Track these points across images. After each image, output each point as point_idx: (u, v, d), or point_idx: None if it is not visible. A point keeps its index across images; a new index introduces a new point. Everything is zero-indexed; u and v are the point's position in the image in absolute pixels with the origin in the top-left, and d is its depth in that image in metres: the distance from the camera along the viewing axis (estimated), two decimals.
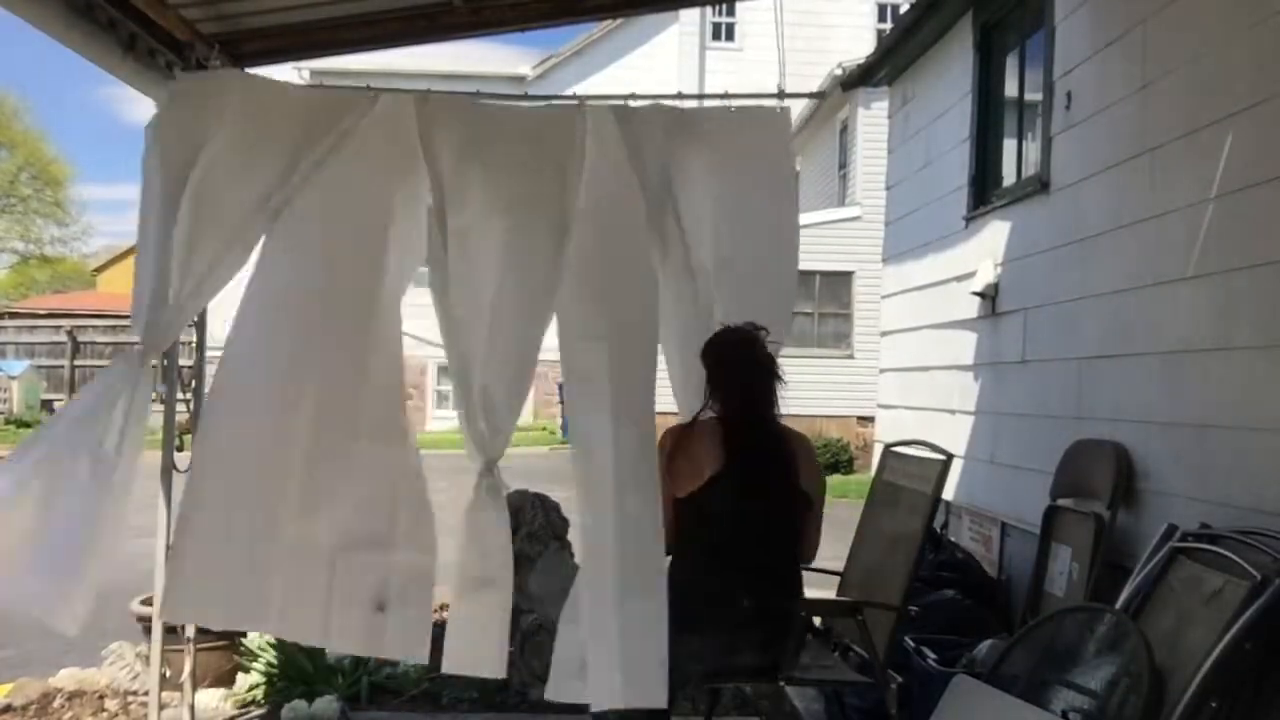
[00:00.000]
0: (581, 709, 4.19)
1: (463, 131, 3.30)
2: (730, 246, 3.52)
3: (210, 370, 3.49)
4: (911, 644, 4.07)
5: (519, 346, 3.19)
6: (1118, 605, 3.25)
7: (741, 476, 3.08)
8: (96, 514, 2.80)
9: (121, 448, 2.83)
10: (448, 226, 3.19)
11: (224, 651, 4.45)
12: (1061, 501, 4.33)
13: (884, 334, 7.71)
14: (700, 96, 3.68)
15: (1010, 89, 5.81)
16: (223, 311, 3.34)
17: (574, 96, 3.75)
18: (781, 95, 3.75)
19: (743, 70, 20.32)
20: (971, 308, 5.74)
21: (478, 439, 3.12)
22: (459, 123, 3.33)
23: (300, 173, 3.22)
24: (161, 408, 3.76)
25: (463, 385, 3.18)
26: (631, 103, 3.53)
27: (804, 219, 17.43)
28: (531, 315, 3.19)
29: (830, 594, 3.94)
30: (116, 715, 4.27)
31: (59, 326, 24.42)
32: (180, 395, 3.77)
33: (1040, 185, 5.01)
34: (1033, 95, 5.37)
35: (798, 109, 17.80)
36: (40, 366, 23.17)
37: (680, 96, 3.71)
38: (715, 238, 3.53)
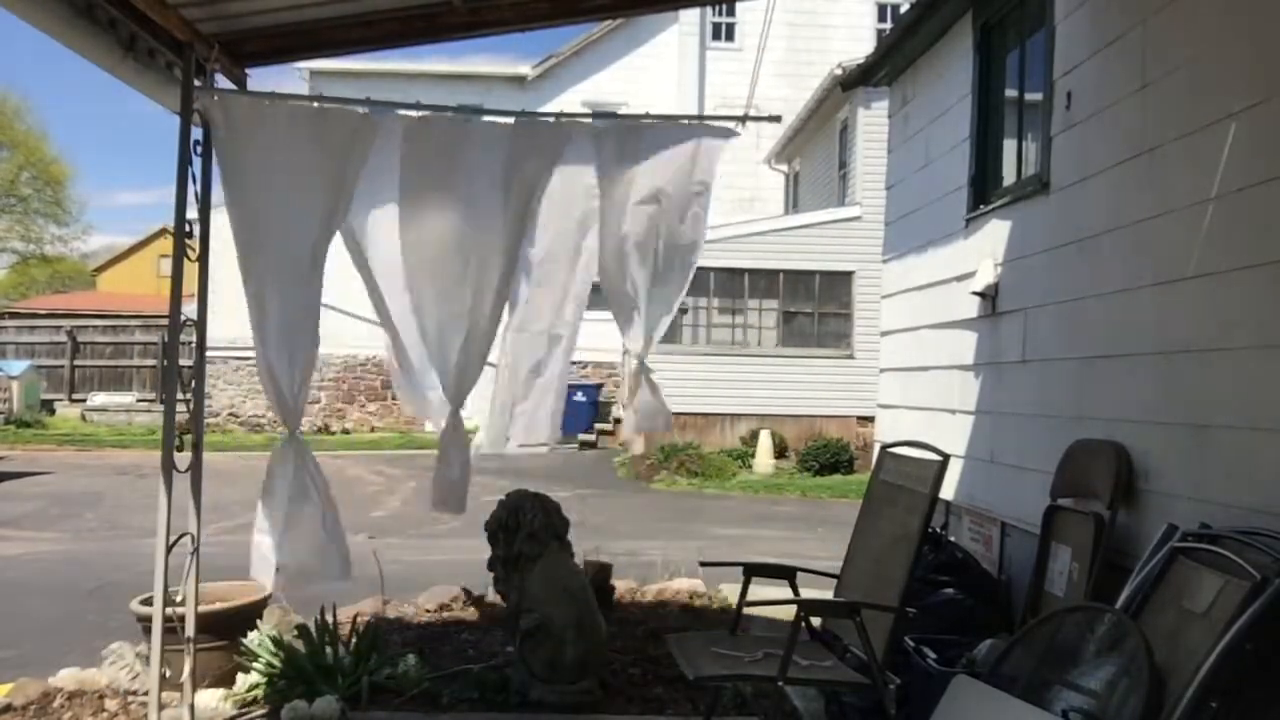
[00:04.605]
0: (581, 709, 4.19)
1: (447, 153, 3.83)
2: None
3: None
4: (911, 644, 4.07)
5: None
6: (1118, 605, 3.25)
7: None
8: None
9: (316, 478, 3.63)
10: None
11: (224, 651, 4.45)
12: (1061, 501, 4.34)
13: (884, 334, 7.71)
14: (671, 117, 4.12)
15: (1010, 89, 5.81)
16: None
17: (551, 114, 4.19)
18: (745, 120, 4.14)
19: (743, 70, 20.33)
20: (971, 307, 5.74)
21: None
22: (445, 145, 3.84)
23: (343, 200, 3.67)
24: (162, 408, 3.77)
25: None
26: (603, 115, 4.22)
27: (804, 219, 17.47)
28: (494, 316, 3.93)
29: (828, 594, 3.95)
30: (116, 715, 4.27)
31: (59, 326, 24.45)
32: (180, 395, 3.77)
33: (1040, 185, 5.01)
34: (1033, 95, 5.37)
35: (797, 109, 17.84)
36: (40, 366, 23.17)
37: (648, 117, 4.18)
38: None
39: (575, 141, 4.00)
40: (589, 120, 4.13)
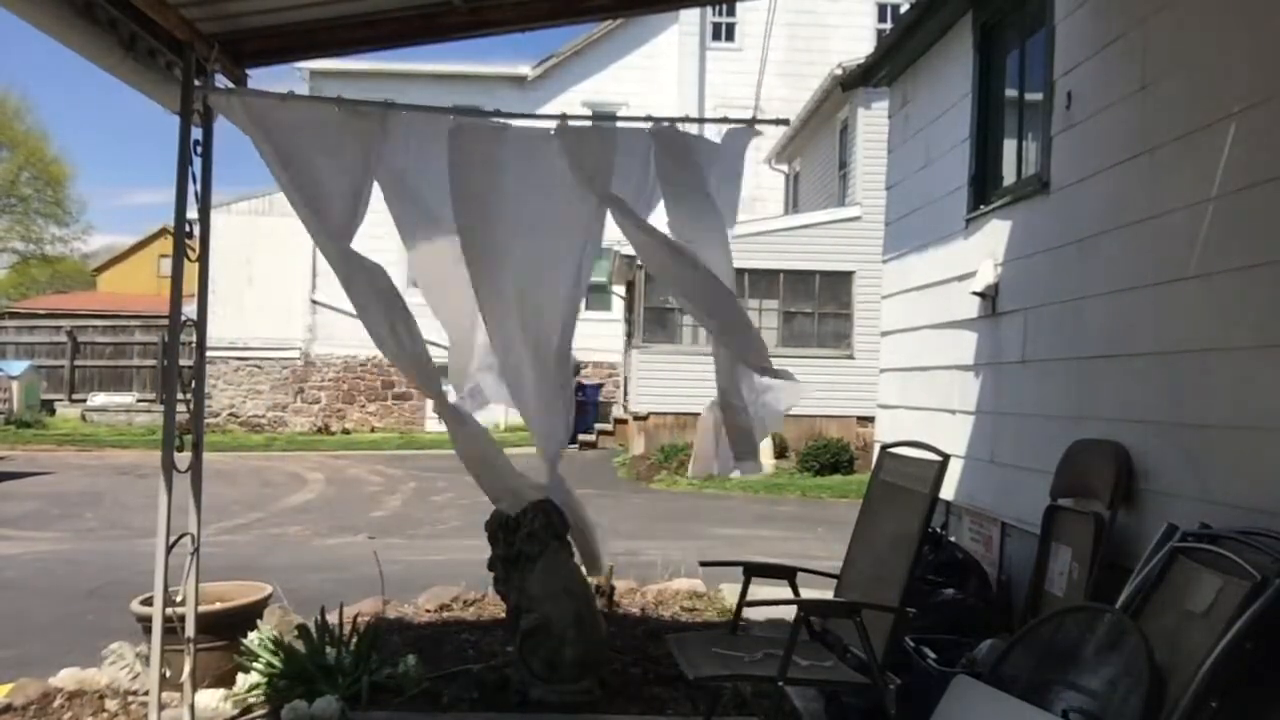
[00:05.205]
0: (581, 708, 4.18)
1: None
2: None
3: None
4: (911, 644, 4.07)
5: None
6: (1118, 605, 3.25)
7: None
8: None
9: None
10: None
11: (224, 651, 4.45)
12: (1061, 501, 4.34)
13: (884, 334, 7.71)
14: (679, 120, 4.44)
15: (1010, 89, 5.81)
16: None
17: (557, 116, 4.21)
18: (753, 122, 4.38)
19: (743, 70, 20.33)
20: (972, 307, 5.74)
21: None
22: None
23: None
24: (161, 408, 3.77)
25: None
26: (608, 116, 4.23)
27: (804, 219, 17.42)
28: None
29: (828, 594, 3.95)
30: (116, 715, 4.27)
31: (59, 326, 24.46)
32: (180, 395, 3.77)
33: (1040, 185, 5.01)
34: (1033, 95, 5.37)
35: (797, 109, 17.83)
36: (40, 366, 23.18)
37: (653, 118, 4.30)
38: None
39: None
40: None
